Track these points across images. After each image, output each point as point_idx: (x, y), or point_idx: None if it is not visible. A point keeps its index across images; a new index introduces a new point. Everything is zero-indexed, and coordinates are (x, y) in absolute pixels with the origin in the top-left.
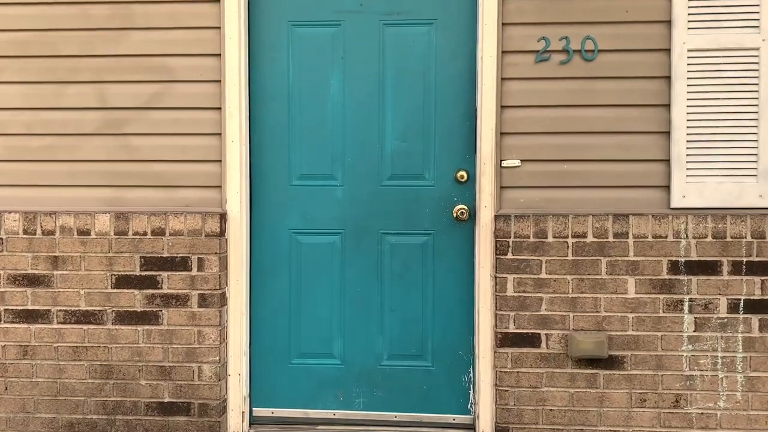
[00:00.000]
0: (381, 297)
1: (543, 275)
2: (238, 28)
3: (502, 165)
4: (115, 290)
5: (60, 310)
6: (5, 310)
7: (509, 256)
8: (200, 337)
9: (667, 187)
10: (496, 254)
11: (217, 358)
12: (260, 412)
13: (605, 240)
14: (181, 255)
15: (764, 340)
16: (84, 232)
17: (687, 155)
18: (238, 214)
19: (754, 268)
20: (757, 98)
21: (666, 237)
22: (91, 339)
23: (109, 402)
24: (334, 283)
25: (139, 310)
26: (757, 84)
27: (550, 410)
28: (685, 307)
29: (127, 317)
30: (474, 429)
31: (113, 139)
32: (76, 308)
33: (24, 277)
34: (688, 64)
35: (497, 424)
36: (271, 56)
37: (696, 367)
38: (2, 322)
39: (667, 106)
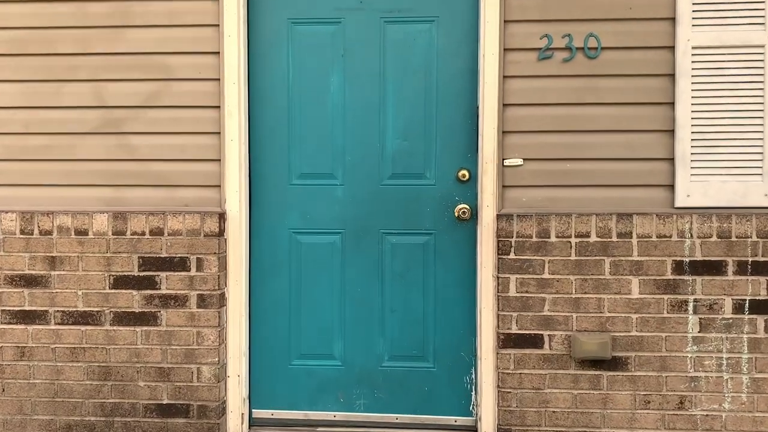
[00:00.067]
0: (382, 297)
1: (546, 275)
2: (237, 25)
3: (505, 164)
4: (113, 291)
5: (57, 310)
6: (2, 311)
7: (511, 256)
8: (199, 338)
9: (672, 186)
10: (498, 254)
11: (217, 359)
12: (260, 413)
13: (609, 240)
14: (179, 255)
15: None
16: (82, 232)
17: (691, 154)
18: (238, 214)
19: (759, 268)
20: (762, 96)
21: (670, 237)
22: (89, 340)
23: (107, 404)
24: (335, 283)
25: (137, 311)
26: (762, 82)
27: (553, 412)
28: (690, 308)
29: (125, 318)
30: (476, 431)
31: (111, 138)
32: (74, 309)
33: (21, 278)
34: (692, 62)
35: (499, 426)
36: (271, 54)
37: (701, 369)
38: None
39: (672, 104)
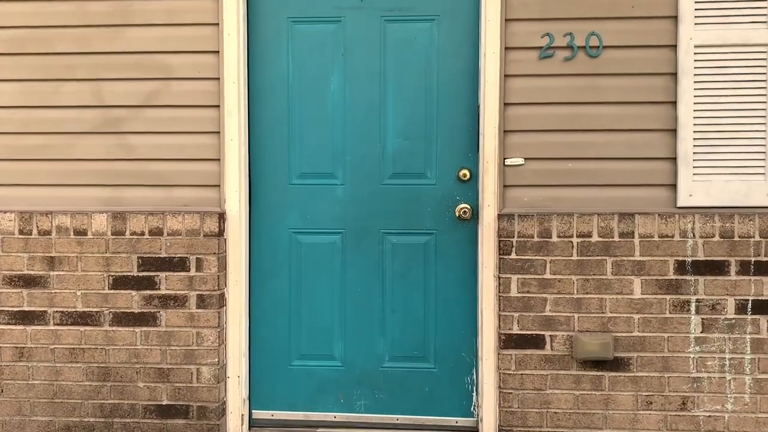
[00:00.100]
0: (382, 298)
1: (547, 275)
2: (237, 24)
3: (506, 163)
4: (112, 291)
5: (56, 311)
6: (0, 311)
7: (513, 256)
8: (199, 338)
9: (674, 186)
10: (499, 254)
11: (216, 359)
12: (260, 414)
13: (611, 240)
14: (179, 255)
15: None
16: (80, 232)
17: (694, 153)
18: (237, 214)
19: (762, 268)
20: (765, 95)
21: (672, 236)
22: (88, 341)
23: (107, 405)
24: (335, 283)
25: (136, 312)
26: (765, 80)
27: (555, 413)
28: (692, 308)
29: (124, 318)
30: None
31: (110, 137)
32: (73, 309)
33: (20, 278)
34: (695, 61)
35: (501, 427)
36: (271, 53)
37: (703, 369)
38: None
39: (674, 103)
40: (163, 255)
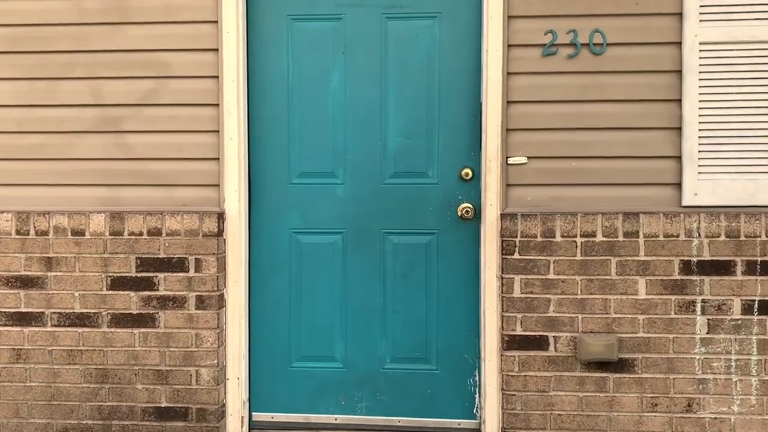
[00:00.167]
0: (383, 298)
1: (551, 276)
2: (236, 22)
3: (508, 162)
4: (110, 292)
5: (54, 312)
6: None
7: (516, 256)
8: (198, 340)
9: (679, 185)
10: (502, 254)
11: (216, 361)
12: (260, 416)
13: (615, 239)
14: (178, 256)
15: None
16: (78, 233)
17: (699, 152)
18: (237, 214)
19: None
20: None
21: (678, 236)
22: (86, 342)
23: (105, 407)
24: (336, 284)
25: (134, 313)
26: None
27: (559, 415)
28: (698, 309)
29: (122, 320)
30: None
31: (108, 136)
32: (71, 311)
33: (17, 279)
34: (699, 58)
35: (504, 429)
36: (270, 51)
37: (709, 371)
38: None
39: (678, 101)
40: (162, 255)
